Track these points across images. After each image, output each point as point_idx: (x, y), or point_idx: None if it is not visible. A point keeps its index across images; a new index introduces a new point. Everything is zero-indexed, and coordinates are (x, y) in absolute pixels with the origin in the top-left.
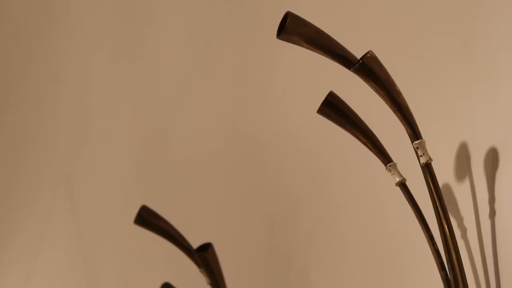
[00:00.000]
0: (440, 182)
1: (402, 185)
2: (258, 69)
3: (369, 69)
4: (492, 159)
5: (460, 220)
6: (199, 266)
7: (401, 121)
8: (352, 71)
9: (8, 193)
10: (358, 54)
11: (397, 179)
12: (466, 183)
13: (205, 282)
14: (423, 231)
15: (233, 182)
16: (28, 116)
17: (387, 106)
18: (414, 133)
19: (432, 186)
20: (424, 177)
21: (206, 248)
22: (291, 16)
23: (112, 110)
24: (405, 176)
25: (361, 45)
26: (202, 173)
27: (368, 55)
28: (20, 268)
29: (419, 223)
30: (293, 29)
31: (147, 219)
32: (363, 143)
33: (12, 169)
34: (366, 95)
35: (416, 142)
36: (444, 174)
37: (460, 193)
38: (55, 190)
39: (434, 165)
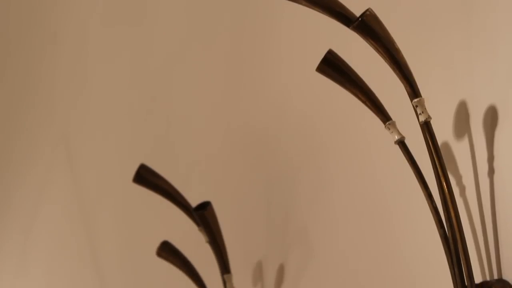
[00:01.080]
0: (439, 140)
1: (401, 143)
2: (256, 29)
3: (368, 27)
4: (491, 118)
5: (459, 178)
6: (198, 224)
7: (400, 79)
8: (351, 29)
9: (7, 152)
10: (357, 12)
11: (396, 137)
12: (465, 141)
13: (203, 241)
14: (422, 189)
15: (232, 141)
16: (27, 76)
17: (386, 64)
18: (413, 91)
19: (431, 144)
20: (423, 135)
21: (205, 206)
22: None
23: (111, 69)
24: (404, 135)
25: (360, 3)
26: (202, 132)
27: (368, 12)
28: (19, 226)
29: (418, 181)
30: None
31: (146, 177)
32: (362, 101)
33: (10, 128)
34: (365, 53)
35: (415, 100)
36: (443, 132)
37: (459, 151)
38: (53, 149)
39: (433, 123)
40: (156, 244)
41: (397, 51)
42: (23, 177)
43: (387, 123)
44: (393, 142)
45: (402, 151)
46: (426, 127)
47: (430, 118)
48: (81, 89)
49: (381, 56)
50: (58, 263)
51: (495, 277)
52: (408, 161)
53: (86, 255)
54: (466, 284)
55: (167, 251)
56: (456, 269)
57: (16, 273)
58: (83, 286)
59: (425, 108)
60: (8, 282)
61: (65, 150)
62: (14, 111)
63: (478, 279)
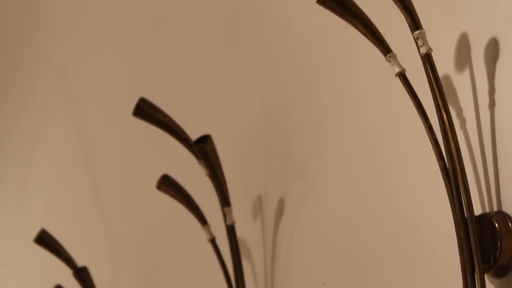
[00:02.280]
0: (440, 72)
1: (402, 76)
2: None
3: None
4: (493, 50)
5: (459, 111)
6: (197, 158)
7: (401, 10)
8: None
9: (7, 83)
10: None
11: (397, 69)
12: (466, 73)
13: (203, 174)
14: (422, 121)
15: (232, 74)
16: (26, 7)
17: None
18: (414, 23)
19: (431, 77)
20: (424, 67)
21: (205, 140)
22: None
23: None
24: (404, 67)
25: None
26: (202, 65)
27: None
28: (19, 158)
29: (418, 113)
30: None
31: (146, 111)
32: (363, 33)
33: (9, 61)
34: None
35: (416, 32)
36: (444, 64)
37: (460, 83)
38: (53, 82)
39: (434, 55)
40: (156, 177)
41: None
42: (23, 109)
43: (388, 55)
44: (394, 75)
45: (402, 84)
46: (427, 59)
47: (431, 50)
48: (80, 20)
49: None
50: (58, 196)
51: (495, 209)
52: (408, 94)
53: (86, 189)
54: (465, 216)
55: (167, 184)
56: (455, 201)
57: (16, 205)
58: (84, 219)
59: (426, 40)
60: (8, 215)
61: (64, 82)
62: (14, 41)
63: (477, 211)
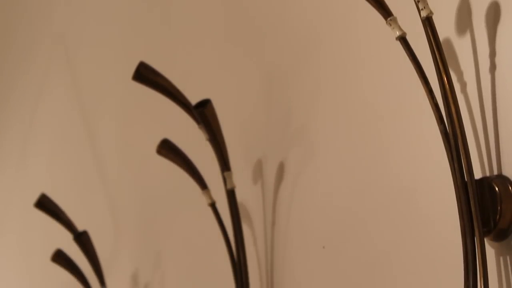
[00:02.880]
0: (441, 36)
1: (402, 39)
2: None
3: None
4: (494, 13)
5: (460, 75)
6: (197, 122)
7: None
8: None
9: (6, 47)
10: None
11: (397, 33)
12: (467, 37)
13: (203, 138)
14: (423, 85)
15: (232, 37)
16: None
17: None
18: None
19: (432, 40)
20: (425, 31)
21: (205, 104)
22: None
23: None
24: (405, 31)
25: None
26: (202, 29)
27: None
28: (20, 119)
29: (419, 77)
30: None
31: (146, 75)
32: None
33: (8, 27)
34: None
35: None
36: (445, 28)
37: (461, 47)
38: (52, 47)
39: (434, 18)
40: (156, 142)
41: None
42: (23, 72)
43: (388, 18)
44: (394, 38)
45: (403, 47)
46: (428, 23)
47: (432, 13)
48: None
49: None
50: (58, 161)
51: (495, 173)
52: (409, 57)
53: (86, 154)
54: (466, 179)
55: (167, 149)
56: (456, 165)
57: (16, 170)
58: (84, 184)
59: (427, 3)
60: (8, 180)
61: (64, 46)
62: (12, 11)
63: (478, 175)
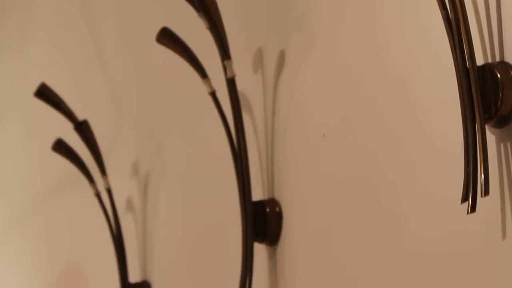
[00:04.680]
0: None
1: None
2: None
3: None
4: None
5: None
6: (197, 10)
7: None
8: None
9: None
10: None
11: None
12: None
13: (203, 27)
14: None
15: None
16: None
17: None
18: None
19: None
20: None
21: None
22: None
23: None
24: None
25: None
26: None
27: None
28: (18, 14)
29: None
30: None
31: None
32: None
33: None
34: None
35: None
36: None
37: None
38: None
39: None
40: (156, 30)
41: None
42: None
43: None
44: None
45: None
46: None
47: None
48: None
49: None
50: (58, 49)
51: (497, 59)
52: None
53: (86, 42)
54: (467, 65)
55: (167, 37)
56: (457, 51)
57: (15, 59)
58: (84, 73)
59: None
60: (7, 69)
61: None
62: None
63: (480, 61)
